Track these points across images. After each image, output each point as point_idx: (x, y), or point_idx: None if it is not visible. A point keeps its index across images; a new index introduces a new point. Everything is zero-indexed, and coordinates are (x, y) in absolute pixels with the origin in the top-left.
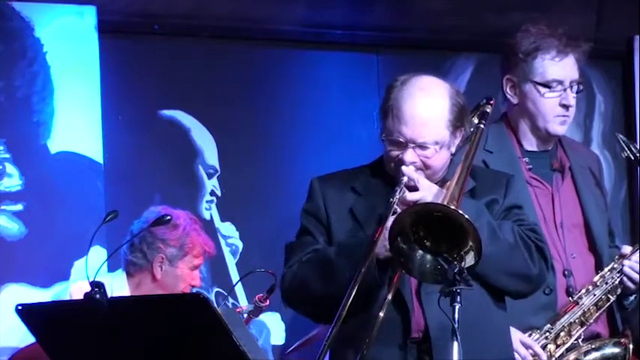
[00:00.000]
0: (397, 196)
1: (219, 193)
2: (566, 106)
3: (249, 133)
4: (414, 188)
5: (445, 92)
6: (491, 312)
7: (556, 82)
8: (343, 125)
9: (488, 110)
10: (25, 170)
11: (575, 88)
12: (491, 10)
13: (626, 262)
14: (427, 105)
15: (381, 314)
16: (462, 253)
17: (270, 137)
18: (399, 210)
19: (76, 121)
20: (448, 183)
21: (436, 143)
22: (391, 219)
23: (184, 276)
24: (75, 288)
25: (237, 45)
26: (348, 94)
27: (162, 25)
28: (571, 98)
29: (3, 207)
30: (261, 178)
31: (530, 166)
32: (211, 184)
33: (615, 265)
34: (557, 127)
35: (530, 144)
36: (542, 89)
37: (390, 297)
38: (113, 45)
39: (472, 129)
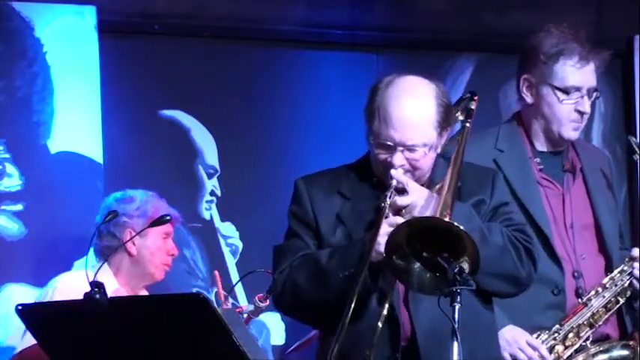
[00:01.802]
0: (388, 201)
1: (219, 193)
2: (581, 113)
3: (249, 133)
4: (403, 191)
5: (431, 93)
6: (479, 313)
7: (574, 89)
8: (343, 125)
9: (472, 107)
10: (25, 170)
11: (592, 95)
12: (491, 10)
13: (636, 264)
14: (414, 107)
15: (380, 324)
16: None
17: (270, 137)
18: (390, 214)
19: (76, 121)
20: (438, 186)
21: (425, 145)
22: (384, 224)
23: (158, 246)
24: (61, 283)
25: (237, 45)
26: (348, 94)
27: (163, 25)
28: (587, 105)
29: (3, 207)
30: (261, 178)
31: (542, 167)
32: (211, 184)
33: (625, 268)
34: (571, 133)
35: (542, 145)
36: (561, 95)
37: (387, 307)
38: (113, 45)
39: (458, 124)
